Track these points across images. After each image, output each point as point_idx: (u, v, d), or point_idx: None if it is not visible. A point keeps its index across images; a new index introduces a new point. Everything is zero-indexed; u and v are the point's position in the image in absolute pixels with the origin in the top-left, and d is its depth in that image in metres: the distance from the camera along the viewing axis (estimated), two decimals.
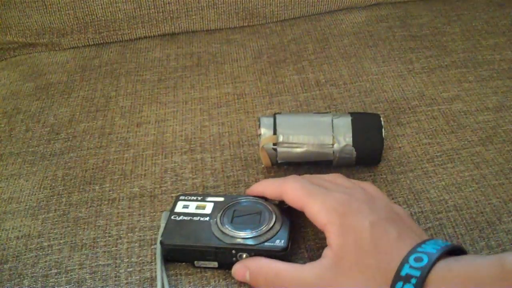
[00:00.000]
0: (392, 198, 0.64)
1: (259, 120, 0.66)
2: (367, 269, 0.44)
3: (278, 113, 0.68)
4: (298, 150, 0.64)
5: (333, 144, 0.63)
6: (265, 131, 0.65)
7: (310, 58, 0.91)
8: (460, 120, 0.75)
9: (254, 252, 0.53)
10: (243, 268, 0.52)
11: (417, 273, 0.41)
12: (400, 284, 0.42)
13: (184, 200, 0.61)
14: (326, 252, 0.48)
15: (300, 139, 0.64)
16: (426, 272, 0.41)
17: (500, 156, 0.69)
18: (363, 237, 0.46)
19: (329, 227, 0.48)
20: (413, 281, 0.41)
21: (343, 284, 0.45)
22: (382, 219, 0.47)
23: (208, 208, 0.59)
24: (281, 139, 0.64)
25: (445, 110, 0.77)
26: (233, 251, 0.53)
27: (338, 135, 0.63)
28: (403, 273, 0.42)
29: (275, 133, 0.64)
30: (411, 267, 0.42)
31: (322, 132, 0.64)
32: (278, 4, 1.02)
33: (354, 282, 0.44)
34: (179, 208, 0.59)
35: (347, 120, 0.64)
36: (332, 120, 0.64)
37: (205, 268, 0.56)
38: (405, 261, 0.43)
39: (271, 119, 0.65)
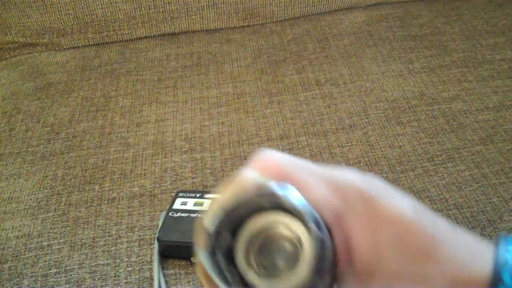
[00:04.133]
0: None
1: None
2: (424, 279, 0.28)
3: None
4: None
5: None
6: None
7: (310, 57, 0.91)
8: (460, 119, 0.75)
9: None
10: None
11: None
12: None
13: (183, 196, 0.61)
14: (344, 265, 0.29)
15: None
16: None
17: (501, 155, 0.68)
18: (409, 232, 0.29)
19: (348, 217, 0.29)
20: None
21: None
22: (418, 205, 0.31)
23: (206, 205, 0.59)
24: None
25: (445, 110, 0.77)
26: None
27: None
28: (506, 279, 0.27)
29: None
30: None
31: None
32: (278, 4, 1.02)
33: None
34: (177, 205, 0.60)
35: None
36: None
37: None
38: (497, 279, 0.28)
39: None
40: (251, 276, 0.27)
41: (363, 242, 0.28)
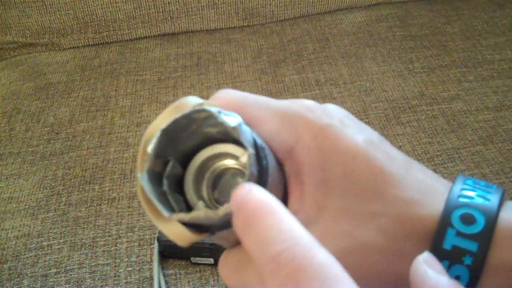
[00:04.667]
0: None
1: None
2: (371, 218, 0.26)
3: None
4: None
5: None
6: None
7: (310, 57, 0.91)
8: (460, 119, 0.75)
9: None
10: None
11: (473, 247, 0.25)
12: (445, 263, 0.25)
13: None
14: (294, 200, 0.28)
15: None
16: (486, 243, 0.25)
17: (501, 155, 0.68)
18: (358, 166, 0.27)
19: (299, 151, 0.28)
20: (467, 260, 0.25)
21: (326, 243, 0.22)
22: (375, 137, 0.29)
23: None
24: None
25: (445, 110, 0.77)
26: None
27: None
28: (446, 245, 0.25)
29: None
30: (459, 234, 0.25)
31: None
32: (278, 4, 1.02)
33: (345, 237, 0.26)
34: None
35: None
36: None
37: (203, 266, 0.56)
38: (446, 222, 0.26)
39: None
40: (199, 206, 0.27)
41: (311, 177, 0.27)
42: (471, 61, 0.87)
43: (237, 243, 0.27)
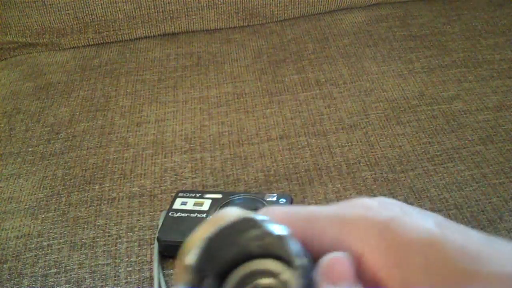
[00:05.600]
0: (393, 197, 0.64)
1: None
2: None
3: None
4: None
5: None
6: None
7: (310, 57, 0.91)
8: (460, 119, 0.75)
9: None
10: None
11: None
12: None
13: (183, 196, 0.61)
14: None
15: None
16: None
17: (501, 155, 0.68)
18: (438, 252, 0.25)
19: (369, 256, 0.26)
20: None
21: None
22: (441, 218, 0.27)
23: (206, 205, 0.59)
24: None
25: (445, 110, 0.77)
26: None
27: None
28: None
29: None
30: None
31: None
32: (278, 4, 1.02)
33: None
34: (177, 205, 0.60)
35: None
36: None
37: None
38: None
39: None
40: None
41: (390, 280, 0.25)
42: (471, 61, 0.87)
43: None
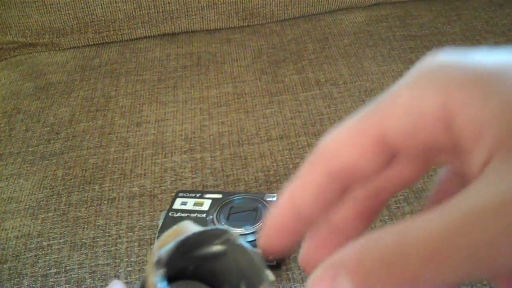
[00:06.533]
0: (393, 196, 0.64)
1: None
2: None
3: None
4: None
5: None
6: None
7: (310, 57, 0.91)
8: None
9: None
10: (328, 272, 0.19)
11: None
12: None
13: (183, 196, 0.61)
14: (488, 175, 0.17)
15: None
16: None
17: None
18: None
19: (461, 115, 0.18)
20: None
21: None
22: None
23: (206, 205, 0.59)
24: None
25: None
26: None
27: None
28: None
29: None
30: None
31: None
32: (278, 4, 1.02)
33: None
34: (177, 205, 0.60)
35: None
36: None
37: None
38: None
39: None
40: None
41: (495, 133, 0.17)
42: None
43: None
